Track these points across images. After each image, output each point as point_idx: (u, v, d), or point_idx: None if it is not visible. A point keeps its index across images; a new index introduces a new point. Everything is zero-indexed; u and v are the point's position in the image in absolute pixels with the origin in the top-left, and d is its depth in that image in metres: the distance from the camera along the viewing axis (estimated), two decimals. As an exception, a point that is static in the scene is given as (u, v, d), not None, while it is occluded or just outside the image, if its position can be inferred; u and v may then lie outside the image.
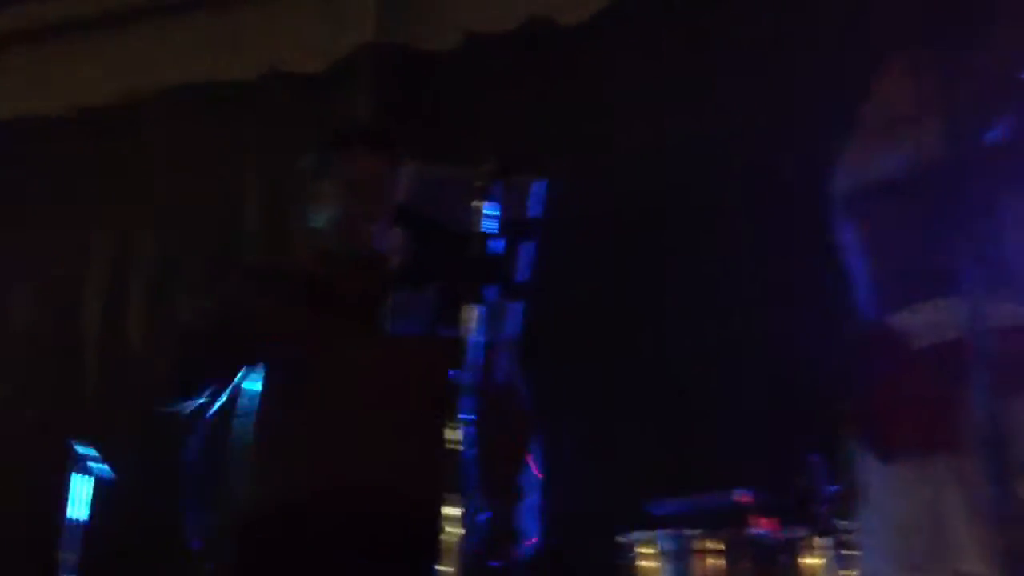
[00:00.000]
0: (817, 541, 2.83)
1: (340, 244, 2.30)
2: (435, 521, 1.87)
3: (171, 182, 4.76)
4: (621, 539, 2.98)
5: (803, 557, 2.84)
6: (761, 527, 2.89)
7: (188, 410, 2.27)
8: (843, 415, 1.79)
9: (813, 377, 2.46)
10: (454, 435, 1.47)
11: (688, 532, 2.89)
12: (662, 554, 2.91)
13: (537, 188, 1.66)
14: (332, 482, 2.12)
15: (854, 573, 2.63)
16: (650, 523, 3.01)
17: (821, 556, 2.82)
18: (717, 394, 3.49)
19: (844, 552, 2.67)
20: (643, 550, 2.95)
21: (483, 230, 1.56)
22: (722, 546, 2.85)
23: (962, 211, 1.59)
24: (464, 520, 1.43)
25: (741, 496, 2.92)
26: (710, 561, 2.88)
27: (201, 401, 2.26)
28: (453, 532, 1.45)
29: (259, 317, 2.20)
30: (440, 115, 4.14)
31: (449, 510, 1.45)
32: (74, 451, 3.55)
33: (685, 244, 3.72)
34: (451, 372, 1.49)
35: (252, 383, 2.33)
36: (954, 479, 1.59)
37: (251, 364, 2.29)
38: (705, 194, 3.71)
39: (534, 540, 2.22)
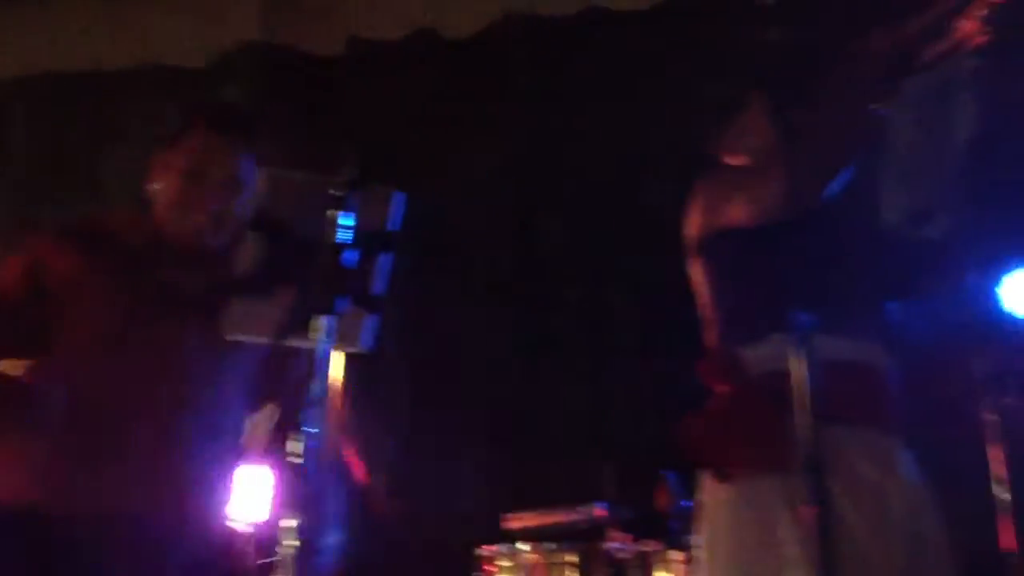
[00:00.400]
0: (670, 555, 2.91)
1: (170, 229, 2.08)
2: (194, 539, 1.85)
3: (38, 168, 4.58)
4: (478, 552, 3.01)
5: (656, 571, 2.92)
6: (615, 541, 2.95)
7: None
8: (685, 435, 1.84)
9: (671, 396, 2.52)
10: (295, 447, 1.45)
11: (544, 545, 2.93)
12: (518, 567, 2.94)
13: (396, 200, 1.65)
14: (93, 492, 1.90)
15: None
16: (506, 536, 3.04)
17: (673, 570, 2.90)
18: (576, 408, 3.55)
19: (695, 567, 2.75)
20: (500, 563, 2.98)
21: (337, 240, 1.54)
22: (577, 559, 2.90)
23: (798, 256, 1.68)
24: (301, 534, 1.41)
25: (597, 510, 2.97)
26: (566, 574, 2.93)
27: None
28: (290, 545, 1.43)
29: (67, 280, 1.99)
30: (313, 119, 4.10)
31: (286, 523, 1.43)
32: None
33: (547, 264, 3.78)
34: (294, 382, 1.46)
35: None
36: (784, 499, 1.66)
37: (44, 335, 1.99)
38: (569, 214, 3.78)
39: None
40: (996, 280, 3.89)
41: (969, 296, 3.76)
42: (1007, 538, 2.76)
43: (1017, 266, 3.83)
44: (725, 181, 1.89)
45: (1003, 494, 2.79)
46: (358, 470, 3.13)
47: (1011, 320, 3.80)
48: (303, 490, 1.46)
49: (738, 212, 1.81)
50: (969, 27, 1.66)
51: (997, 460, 2.81)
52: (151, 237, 2.11)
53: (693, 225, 1.94)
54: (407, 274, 1.83)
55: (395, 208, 1.65)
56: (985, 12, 1.65)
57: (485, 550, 3.00)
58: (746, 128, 2.01)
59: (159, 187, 2.14)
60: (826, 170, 1.75)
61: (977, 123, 1.72)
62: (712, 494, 1.81)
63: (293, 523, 1.42)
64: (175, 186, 2.10)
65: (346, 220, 1.56)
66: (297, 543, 1.42)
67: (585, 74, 3.92)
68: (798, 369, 1.43)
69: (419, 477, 3.09)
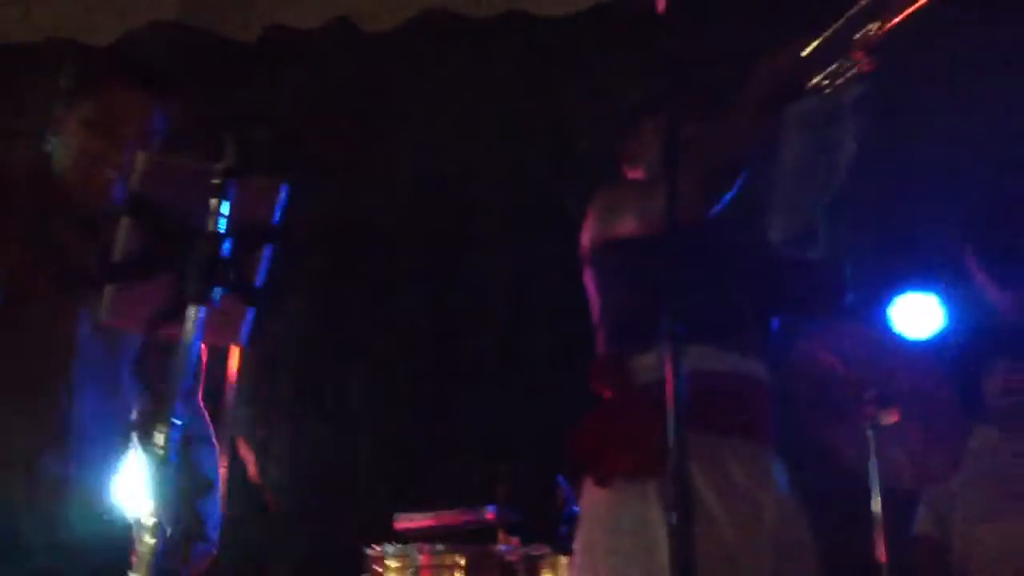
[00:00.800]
0: (558, 559, 2.93)
1: (72, 186, 1.92)
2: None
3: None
4: (366, 551, 2.98)
5: (543, 574, 2.93)
6: (504, 544, 2.96)
7: None
8: (570, 440, 1.86)
9: (563, 400, 2.53)
10: (159, 439, 1.41)
11: (433, 546, 2.92)
12: (406, 568, 2.93)
13: (281, 192, 1.62)
14: None
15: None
16: (396, 536, 3.02)
17: (560, 574, 2.92)
18: (470, 410, 3.55)
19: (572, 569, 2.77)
20: (388, 563, 2.96)
21: (216, 229, 1.50)
22: (464, 561, 2.90)
23: (683, 269, 1.70)
24: (160, 529, 1.37)
25: (487, 513, 2.98)
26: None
27: None
28: (148, 542, 1.39)
29: None
30: (218, 103, 4.01)
31: (145, 519, 1.39)
32: None
33: (449, 264, 3.78)
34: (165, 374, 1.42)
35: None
36: (662, 504, 1.69)
37: None
38: (479, 213, 3.78)
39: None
40: (886, 302, 4.03)
41: (857, 316, 3.88)
42: (880, 551, 2.84)
43: (906, 289, 3.99)
44: (619, 192, 1.92)
45: (877, 508, 2.88)
46: (249, 466, 3.08)
47: (898, 340, 3.94)
48: (166, 483, 1.42)
49: (628, 224, 1.84)
50: (857, 55, 1.71)
51: (874, 473, 2.90)
52: (49, 193, 1.92)
53: (587, 235, 1.96)
54: (305, 269, 1.80)
55: (280, 200, 1.62)
56: (872, 43, 1.70)
57: (374, 550, 2.98)
58: (644, 140, 2.04)
59: (61, 140, 1.95)
60: (714, 185, 1.78)
61: (859, 149, 1.77)
62: (591, 498, 1.83)
63: (152, 517, 1.38)
64: (80, 137, 1.92)
65: (226, 209, 1.53)
66: (154, 539, 1.38)
67: (502, 75, 3.93)
68: (670, 378, 1.45)
69: (310, 475, 3.05)
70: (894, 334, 3.97)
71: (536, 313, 3.49)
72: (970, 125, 3.60)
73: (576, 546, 1.85)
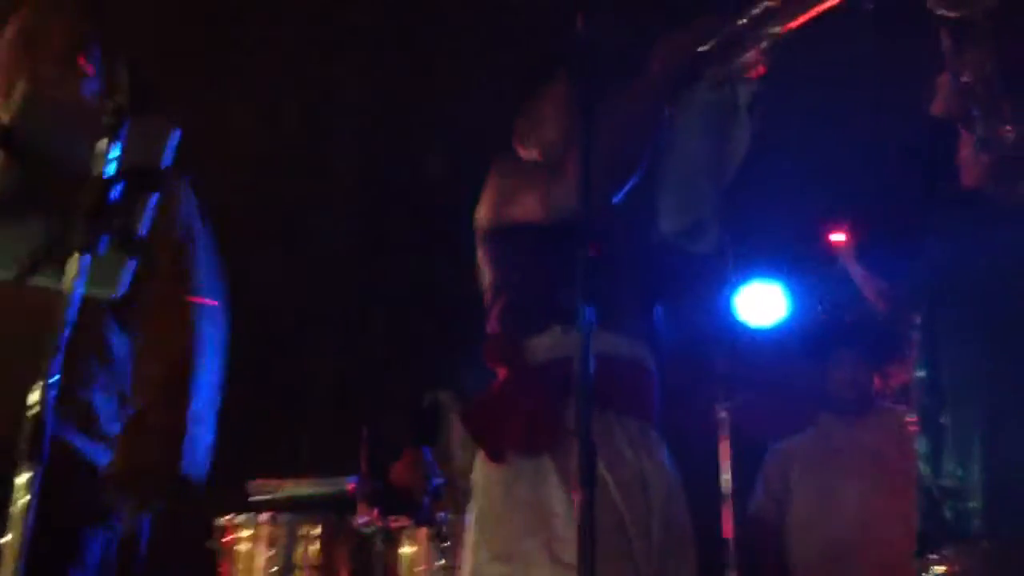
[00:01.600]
0: (418, 531, 2.91)
1: None
2: None
3: None
4: (219, 521, 2.87)
5: (401, 546, 2.91)
6: (363, 515, 2.91)
7: None
8: (467, 416, 1.85)
9: (428, 373, 2.52)
10: (34, 397, 1.30)
11: (286, 517, 2.85)
12: (259, 537, 2.84)
13: (172, 136, 1.52)
14: None
15: (444, 562, 2.75)
16: (250, 506, 2.93)
17: (419, 546, 2.90)
18: (331, 381, 3.48)
19: (442, 543, 2.76)
20: (241, 533, 2.86)
21: (103, 173, 1.39)
22: (319, 531, 2.84)
23: (580, 255, 1.71)
24: (34, 487, 1.27)
25: (346, 484, 2.93)
26: (309, 547, 2.86)
27: None
28: (21, 501, 1.28)
29: None
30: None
31: (20, 478, 1.28)
32: None
33: (311, 232, 3.69)
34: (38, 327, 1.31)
35: None
36: (558, 479, 1.71)
37: None
38: (337, 181, 3.70)
39: None
40: (731, 292, 4.22)
41: (714, 305, 4.04)
42: (727, 526, 2.99)
43: (748, 280, 4.18)
44: (518, 174, 1.90)
45: (727, 484, 3.02)
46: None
47: (743, 328, 4.13)
48: (42, 442, 1.31)
49: (528, 208, 1.83)
50: (752, 55, 1.77)
51: (724, 453, 3.04)
52: None
53: (483, 215, 1.94)
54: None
55: (170, 145, 1.52)
56: (766, 44, 1.76)
57: (227, 519, 2.88)
58: (541, 119, 2.03)
59: None
60: (618, 172, 1.80)
61: (748, 147, 1.82)
62: (486, 472, 1.82)
63: (26, 476, 1.28)
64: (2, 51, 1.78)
65: (115, 152, 1.42)
66: (27, 497, 1.27)
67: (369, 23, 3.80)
68: (579, 359, 1.46)
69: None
70: (740, 321, 4.17)
71: (392, 283, 3.45)
72: (821, 123, 3.79)
73: (469, 519, 1.83)
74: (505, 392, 1.81)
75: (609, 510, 1.71)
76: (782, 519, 3.39)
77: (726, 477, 3.05)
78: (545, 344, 1.81)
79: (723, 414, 3.10)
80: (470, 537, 1.80)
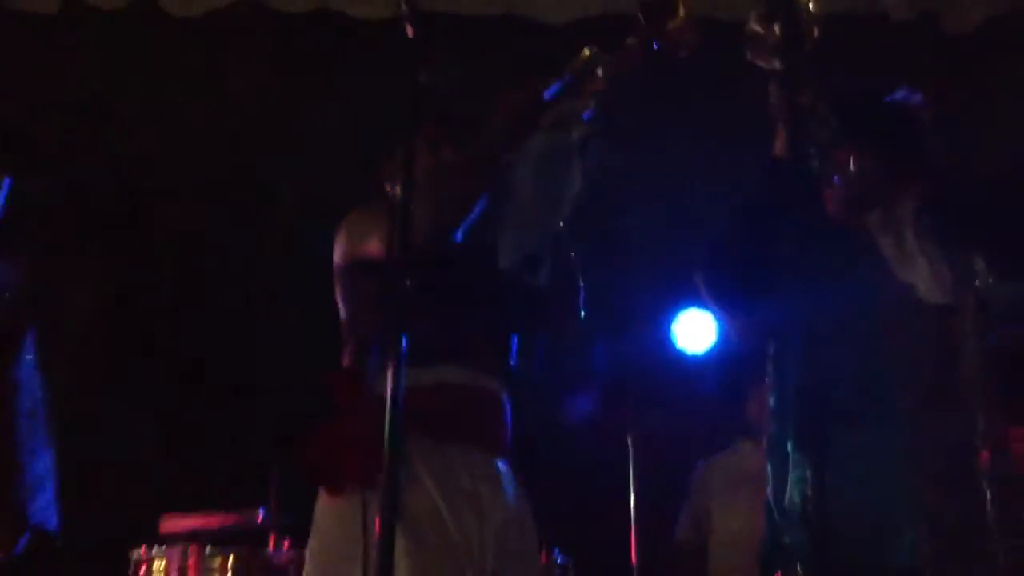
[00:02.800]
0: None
1: None
2: None
3: None
4: (134, 555, 2.93)
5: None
6: (274, 546, 2.97)
7: None
8: (303, 450, 1.90)
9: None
10: None
11: (200, 548, 2.90)
12: (172, 570, 2.89)
13: (4, 185, 1.60)
14: None
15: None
16: (162, 538, 2.98)
17: None
18: (241, 410, 3.54)
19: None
20: (154, 565, 2.91)
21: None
22: (232, 562, 2.89)
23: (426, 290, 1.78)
24: None
25: (257, 515, 2.98)
26: (220, 578, 2.91)
27: None
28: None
29: None
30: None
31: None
32: None
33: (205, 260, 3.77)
34: None
35: None
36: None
37: None
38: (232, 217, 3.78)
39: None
40: (669, 319, 4.27)
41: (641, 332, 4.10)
42: (634, 554, 3.03)
43: (686, 307, 4.23)
44: (370, 213, 1.97)
45: (633, 512, 3.07)
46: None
47: (676, 354, 4.18)
48: None
49: (374, 246, 1.89)
50: (585, 98, 1.86)
51: (632, 480, 3.09)
52: None
53: (337, 252, 2.01)
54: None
55: (2, 194, 1.60)
56: (600, 87, 1.85)
57: (139, 552, 2.93)
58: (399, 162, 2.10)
59: None
60: (454, 213, 1.87)
61: (583, 181, 1.89)
62: (322, 505, 1.88)
63: None
64: None
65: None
66: None
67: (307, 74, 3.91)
68: (392, 392, 1.51)
69: (77, 471, 2.95)
70: (675, 347, 4.22)
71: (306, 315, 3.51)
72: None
73: (308, 552, 1.89)
74: (338, 425, 1.86)
75: (439, 534, 1.77)
76: (703, 540, 3.44)
77: (631, 504, 3.09)
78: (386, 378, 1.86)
79: (629, 440, 3.14)
80: (308, 569, 1.85)
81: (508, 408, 2.01)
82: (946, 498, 1.80)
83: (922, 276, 1.89)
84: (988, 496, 1.79)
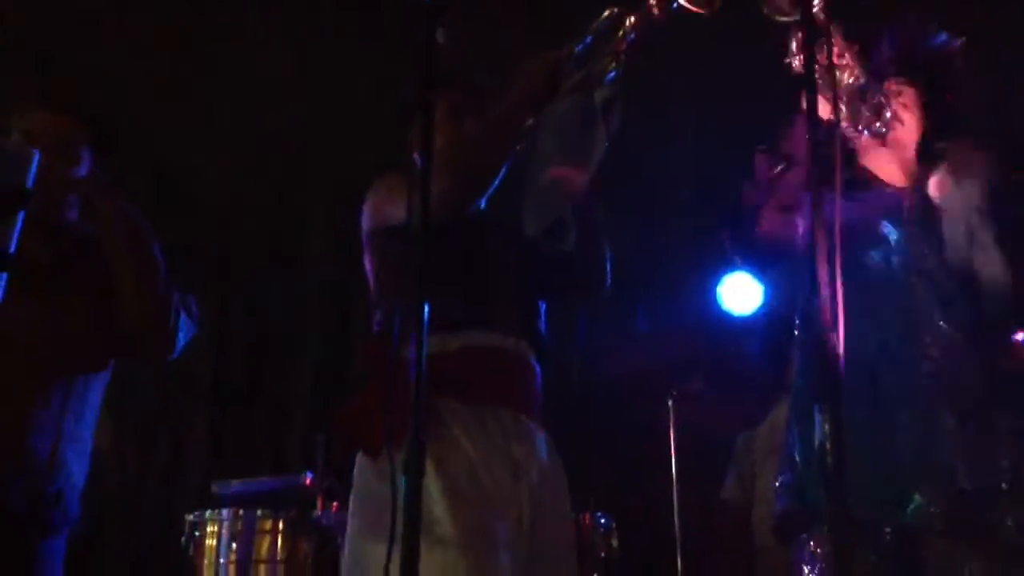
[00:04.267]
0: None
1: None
2: None
3: None
4: (187, 516, 3.03)
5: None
6: (323, 509, 3.04)
7: None
8: (339, 415, 1.95)
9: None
10: None
11: (250, 512, 2.98)
12: (224, 532, 2.98)
13: (32, 157, 1.65)
14: None
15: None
16: (214, 502, 3.07)
17: (381, 538, 3.01)
18: (287, 379, 3.61)
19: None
20: (207, 528, 3.00)
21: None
22: (282, 526, 2.97)
23: (454, 255, 1.80)
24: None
25: (305, 479, 3.05)
26: (272, 541, 2.99)
27: None
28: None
29: None
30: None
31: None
32: None
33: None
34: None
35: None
36: (431, 469, 1.77)
37: None
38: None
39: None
40: (715, 281, 4.24)
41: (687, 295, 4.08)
42: (676, 514, 3.04)
43: (734, 269, 4.20)
44: (396, 180, 1.99)
45: (675, 473, 3.08)
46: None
47: (723, 316, 4.15)
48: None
49: (401, 213, 1.91)
50: (608, 60, 1.84)
51: (672, 442, 3.09)
52: None
53: (365, 219, 2.04)
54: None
55: (33, 165, 1.65)
56: (622, 48, 1.83)
57: (193, 515, 3.03)
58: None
59: None
60: (479, 180, 1.88)
61: (608, 148, 1.88)
62: (360, 468, 1.92)
63: None
64: None
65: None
66: None
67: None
68: (418, 357, 1.53)
69: (130, 442, 3.06)
70: (722, 309, 4.19)
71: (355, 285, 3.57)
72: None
73: (349, 513, 1.93)
74: (375, 390, 1.90)
75: (475, 483, 1.82)
76: (750, 503, 3.43)
77: (673, 465, 3.10)
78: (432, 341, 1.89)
79: (670, 403, 3.15)
80: (351, 531, 1.90)
81: (538, 372, 2.03)
82: (961, 462, 1.77)
83: (990, 264, 1.86)
84: (1006, 464, 1.76)
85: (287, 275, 3.79)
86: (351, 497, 1.96)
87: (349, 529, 1.95)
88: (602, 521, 3.18)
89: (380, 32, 3.66)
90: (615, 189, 2.07)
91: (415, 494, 1.53)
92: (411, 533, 1.52)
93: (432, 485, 1.81)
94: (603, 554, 3.14)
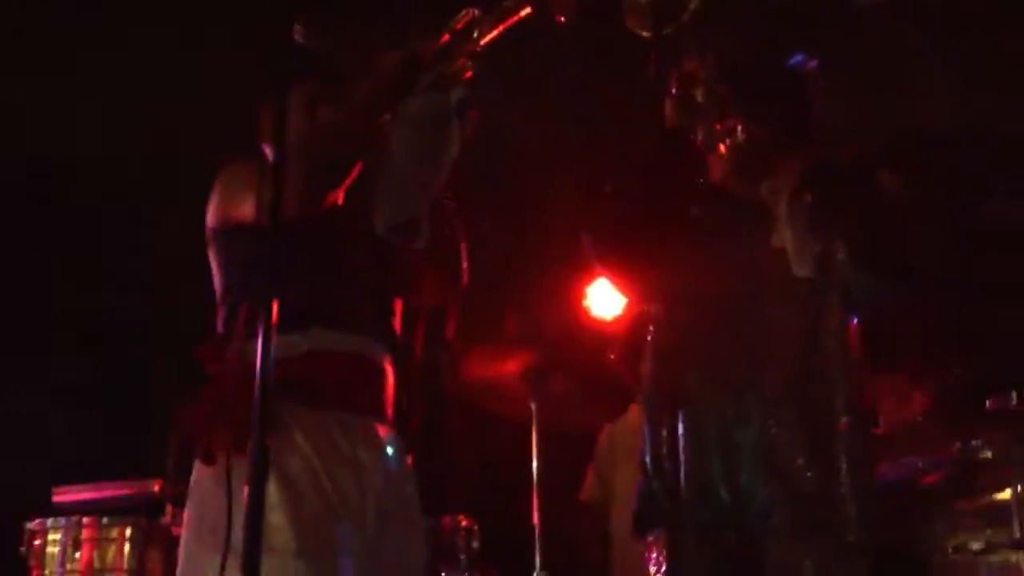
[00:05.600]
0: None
1: None
2: None
3: None
4: (28, 525, 2.88)
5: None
6: (172, 516, 2.94)
7: None
8: (176, 418, 1.88)
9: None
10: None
11: (96, 519, 2.86)
12: (68, 540, 2.85)
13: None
14: None
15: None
16: (58, 509, 2.94)
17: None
18: (133, 382, 3.50)
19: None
20: (50, 536, 2.87)
21: None
22: (130, 532, 2.86)
23: (301, 255, 1.76)
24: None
25: (154, 485, 2.95)
26: (119, 549, 2.88)
27: None
28: None
29: None
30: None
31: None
32: None
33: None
34: None
35: None
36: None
37: None
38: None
39: None
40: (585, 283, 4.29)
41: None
42: (535, 513, 3.07)
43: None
44: (244, 171, 1.93)
45: (536, 474, 3.10)
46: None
47: (589, 320, 4.21)
48: None
49: (246, 210, 1.86)
50: (462, 61, 1.84)
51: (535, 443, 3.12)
52: None
53: (210, 214, 1.97)
54: None
55: None
56: (475, 50, 1.83)
57: (35, 523, 2.89)
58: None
59: None
60: (331, 176, 1.85)
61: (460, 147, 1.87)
62: (197, 473, 1.87)
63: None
64: None
65: None
66: None
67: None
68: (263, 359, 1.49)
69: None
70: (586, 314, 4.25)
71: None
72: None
73: (185, 519, 1.88)
74: (213, 393, 1.85)
75: (319, 493, 1.80)
76: (609, 500, 3.50)
77: (535, 465, 3.13)
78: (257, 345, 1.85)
79: (533, 406, 3.17)
80: (186, 536, 1.84)
81: (389, 373, 2.00)
82: (804, 464, 1.84)
83: (789, 244, 1.92)
84: (844, 466, 1.84)
85: (145, 271, 3.65)
86: (187, 503, 1.90)
87: (184, 535, 1.88)
88: (463, 524, 3.18)
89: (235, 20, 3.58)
90: (488, 190, 2.07)
91: (258, 503, 1.49)
92: (253, 543, 1.48)
93: (272, 493, 1.77)
94: (463, 556, 3.15)
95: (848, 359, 1.91)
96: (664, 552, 1.90)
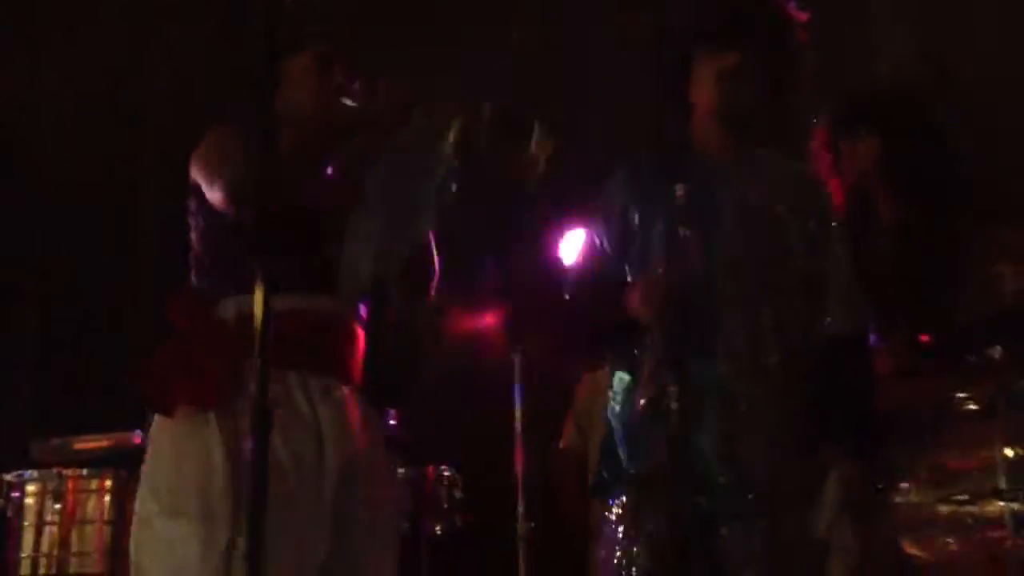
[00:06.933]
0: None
1: None
2: None
3: None
4: (6, 477, 2.85)
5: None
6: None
7: None
8: (139, 371, 1.83)
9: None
10: None
11: (77, 471, 2.84)
12: (47, 492, 2.83)
13: None
14: None
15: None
16: (36, 461, 2.91)
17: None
18: (113, 331, 3.45)
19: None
20: (28, 488, 2.85)
21: None
22: (111, 484, 2.84)
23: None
24: None
25: (135, 437, 2.92)
26: (99, 501, 2.86)
27: None
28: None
29: None
30: None
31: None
32: None
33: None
34: None
35: None
36: (222, 434, 1.71)
37: None
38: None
39: None
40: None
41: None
42: (519, 464, 3.09)
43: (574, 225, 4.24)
44: (228, 141, 1.88)
45: (519, 425, 3.11)
46: None
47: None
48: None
49: (218, 196, 1.83)
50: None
51: (518, 396, 3.13)
52: None
53: (195, 172, 1.91)
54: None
55: None
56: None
57: (13, 476, 2.86)
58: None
59: None
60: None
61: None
62: (157, 428, 1.83)
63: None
64: None
65: None
66: None
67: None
68: (255, 316, 1.46)
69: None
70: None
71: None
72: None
73: (142, 474, 1.82)
74: (177, 347, 1.82)
75: (275, 459, 1.66)
76: (586, 447, 3.51)
77: (518, 418, 3.14)
78: (229, 304, 1.82)
79: (516, 359, 3.18)
80: (141, 491, 1.80)
81: (359, 334, 1.95)
82: (760, 458, 1.85)
83: None
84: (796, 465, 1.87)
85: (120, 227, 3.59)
86: (144, 460, 1.84)
87: (140, 490, 1.82)
88: (446, 473, 3.19)
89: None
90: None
91: (262, 468, 1.46)
92: (257, 507, 1.45)
93: (220, 459, 1.73)
94: (446, 505, 3.17)
95: None
96: (620, 512, 1.90)
